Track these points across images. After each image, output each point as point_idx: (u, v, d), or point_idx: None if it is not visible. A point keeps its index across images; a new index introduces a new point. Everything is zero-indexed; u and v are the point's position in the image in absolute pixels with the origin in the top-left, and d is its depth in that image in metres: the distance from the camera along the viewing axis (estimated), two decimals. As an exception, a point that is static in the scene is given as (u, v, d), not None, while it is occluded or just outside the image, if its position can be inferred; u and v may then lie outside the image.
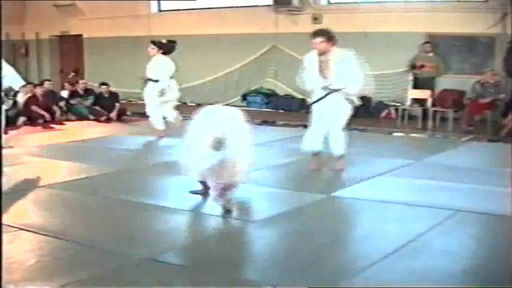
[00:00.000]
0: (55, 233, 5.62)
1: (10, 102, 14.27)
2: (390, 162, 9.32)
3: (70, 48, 21.06)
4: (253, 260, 5.11)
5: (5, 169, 6.74)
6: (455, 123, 13.32)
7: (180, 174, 7.07)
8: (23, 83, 11.43)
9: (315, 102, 8.52)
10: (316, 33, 8.31)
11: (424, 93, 13.94)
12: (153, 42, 12.25)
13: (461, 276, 4.62)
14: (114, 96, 15.43)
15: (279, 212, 6.51)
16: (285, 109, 16.54)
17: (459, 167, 8.86)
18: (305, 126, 13.39)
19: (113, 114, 14.96)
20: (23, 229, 5.70)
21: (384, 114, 15.11)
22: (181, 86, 18.05)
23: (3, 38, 13.57)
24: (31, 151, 10.17)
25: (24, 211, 6.47)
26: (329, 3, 16.60)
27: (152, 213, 6.48)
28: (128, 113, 15.72)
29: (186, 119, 12.34)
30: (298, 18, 16.59)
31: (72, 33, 20.56)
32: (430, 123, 13.39)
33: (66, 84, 16.71)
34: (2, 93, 13.92)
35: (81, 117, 15.05)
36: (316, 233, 5.82)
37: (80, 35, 20.48)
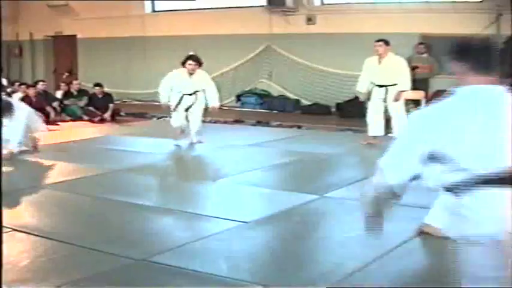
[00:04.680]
0: (48, 234, 5.61)
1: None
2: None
3: (64, 48, 21.00)
4: (246, 260, 5.11)
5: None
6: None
7: (173, 175, 7.09)
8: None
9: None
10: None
11: (418, 94, 13.93)
12: (193, 58, 10.99)
13: (457, 276, 4.62)
14: (108, 97, 15.41)
15: (273, 213, 6.51)
16: (279, 110, 16.51)
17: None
18: (299, 127, 13.49)
19: (107, 115, 14.93)
20: (16, 230, 5.69)
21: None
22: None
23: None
24: (24, 151, 10.14)
25: (18, 212, 6.46)
26: (323, 4, 16.59)
27: (146, 214, 6.47)
28: (122, 113, 15.70)
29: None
30: (292, 19, 16.58)
31: (66, 33, 20.50)
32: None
33: (62, 84, 16.70)
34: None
35: (75, 118, 15.04)
36: (310, 234, 5.83)
37: (74, 36, 20.43)
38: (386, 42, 10.66)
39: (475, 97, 3.00)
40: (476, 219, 2.94)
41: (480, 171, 2.90)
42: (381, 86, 10.67)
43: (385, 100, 10.68)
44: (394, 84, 10.61)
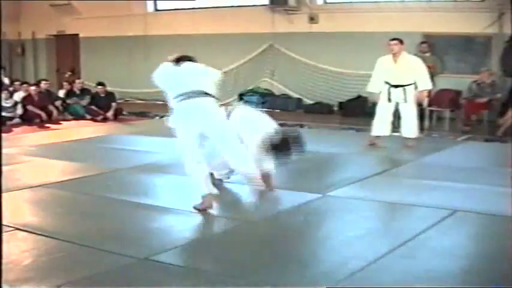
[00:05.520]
0: (51, 233, 5.60)
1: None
2: (386, 162, 9.32)
3: (66, 47, 21.04)
4: (249, 259, 5.10)
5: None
6: (451, 122, 13.33)
7: (175, 174, 7.06)
8: None
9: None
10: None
11: (420, 93, 13.92)
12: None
13: (459, 276, 4.61)
14: (110, 96, 15.42)
15: (276, 212, 6.51)
16: (282, 109, 16.52)
17: (456, 166, 8.85)
18: (301, 126, 13.47)
19: (110, 114, 14.94)
20: (18, 229, 5.69)
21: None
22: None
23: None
24: (27, 151, 10.15)
25: (20, 211, 6.45)
26: (325, 3, 16.60)
27: (148, 213, 6.46)
28: (124, 112, 15.72)
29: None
30: (295, 18, 16.59)
31: (68, 32, 20.54)
32: (426, 122, 13.38)
33: (64, 83, 16.73)
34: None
35: (78, 117, 15.06)
36: (312, 233, 5.82)
37: (76, 35, 20.47)
38: (401, 41, 10.34)
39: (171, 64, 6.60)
40: (182, 116, 6.26)
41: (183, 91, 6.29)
42: (397, 86, 10.32)
43: (405, 100, 10.34)
44: (410, 84, 10.29)
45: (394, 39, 10.36)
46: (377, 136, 10.60)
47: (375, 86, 10.58)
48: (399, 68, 10.31)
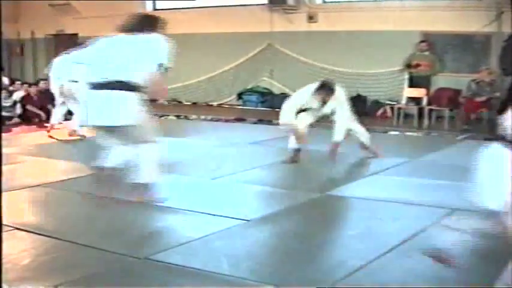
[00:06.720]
0: (50, 232, 5.60)
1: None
2: (386, 160, 9.31)
3: (65, 47, 20.92)
4: (248, 258, 5.09)
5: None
6: (451, 121, 13.32)
7: (175, 173, 7.05)
8: None
9: None
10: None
11: (419, 92, 13.94)
12: None
13: (458, 276, 4.61)
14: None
15: (275, 211, 6.50)
16: (281, 108, 16.49)
17: (455, 165, 8.83)
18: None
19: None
20: (17, 228, 5.68)
21: (379, 113, 15.11)
22: (177, 85, 18.16)
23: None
24: (26, 150, 10.14)
25: (19, 210, 6.44)
26: (324, 2, 16.59)
27: (148, 212, 6.46)
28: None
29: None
30: (294, 17, 16.58)
31: (67, 32, 20.51)
32: (425, 121, 13.40)
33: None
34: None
35: (76, 116, 15.04)
36: (312, 232, 5.81)
37: (75, 34, 20.42)
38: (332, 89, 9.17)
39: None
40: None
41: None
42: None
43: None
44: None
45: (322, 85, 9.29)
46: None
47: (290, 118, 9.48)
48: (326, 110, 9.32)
